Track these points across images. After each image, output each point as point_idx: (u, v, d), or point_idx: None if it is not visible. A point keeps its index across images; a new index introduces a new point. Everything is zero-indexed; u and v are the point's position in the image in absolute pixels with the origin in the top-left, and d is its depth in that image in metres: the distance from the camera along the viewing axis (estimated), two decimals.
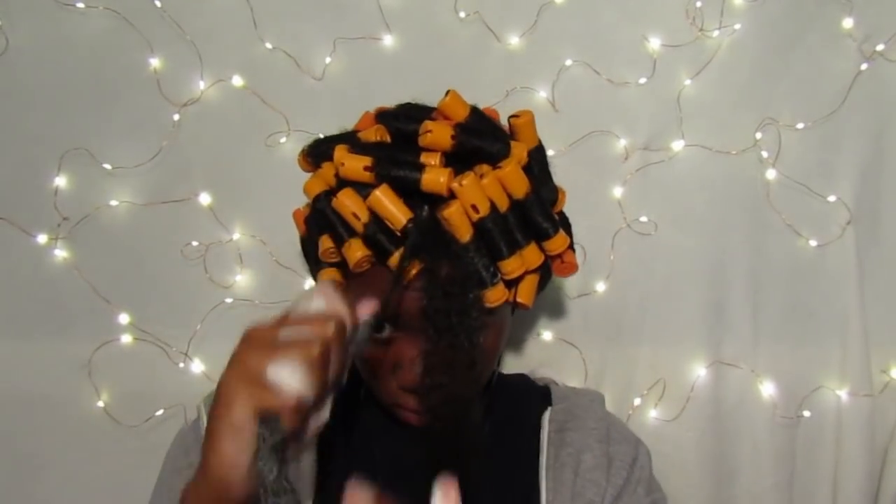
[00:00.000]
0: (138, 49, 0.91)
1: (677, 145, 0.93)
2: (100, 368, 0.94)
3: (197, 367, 0.94)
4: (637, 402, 0.95)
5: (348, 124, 0.71)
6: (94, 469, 0.95)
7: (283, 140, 0.92)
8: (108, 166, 0.92)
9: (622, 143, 0.93)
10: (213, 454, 0.46)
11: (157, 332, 0.94)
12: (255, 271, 0.95)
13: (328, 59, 0.92)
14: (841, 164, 0.93)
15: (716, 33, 0.91)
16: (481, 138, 0.61)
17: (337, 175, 0.61)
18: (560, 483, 0.67)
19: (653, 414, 0.95)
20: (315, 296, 0.49)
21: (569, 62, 0.92)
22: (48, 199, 0.92)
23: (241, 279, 0.95)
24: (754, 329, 0.95)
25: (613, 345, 0.96)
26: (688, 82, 0.92)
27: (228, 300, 0.94)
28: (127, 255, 0.94)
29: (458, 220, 0.58)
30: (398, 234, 0.58)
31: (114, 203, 0.93)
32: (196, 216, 0.93)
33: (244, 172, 0.93)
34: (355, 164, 0.59)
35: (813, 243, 0.94)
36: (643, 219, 0.94)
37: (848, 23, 0.90)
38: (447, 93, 0.63)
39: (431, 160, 0.60)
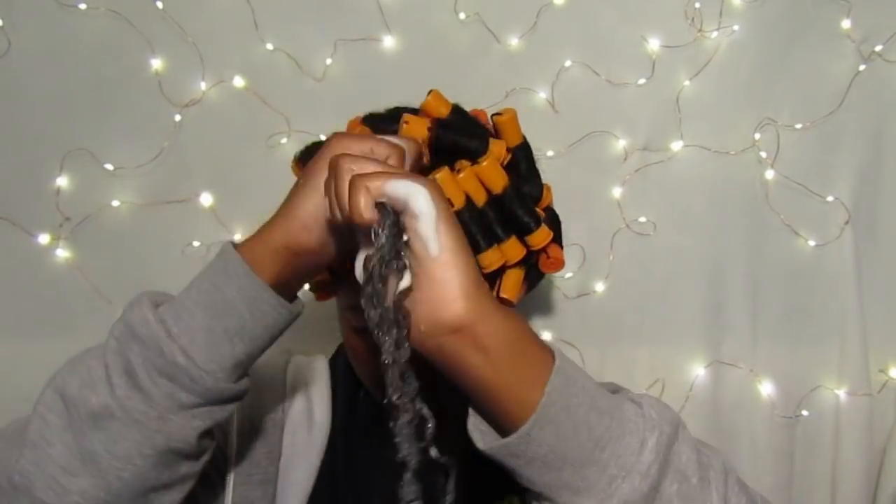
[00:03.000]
0: (140, 50, 0.91)
1: (676, 146, 0.93)
2: None
3: None
4: None
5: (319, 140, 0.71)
6: None
7: (283, 141, 0.93)
8: (109, 167, 0.92)
9: (621, 143, 0.93)
10: (291, 215, 0.50)
11: None
12: None
13: (329, 61, 0.92)
14: (839, 164, 0.93)
15: (714, 34, 0.91)
16: (459, 134, 0.61)
17: None
18: None
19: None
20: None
21: (568, 63, 0.92)
22: (50, 199, 0.92)
23: None
24: (753, 329, 0.95)
25: (612, 345, 0.96)
26: (687, 83, 0.92)
27: None
28: (128, 255, 0.94)
29: None
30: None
31: (115, 203, 0.93)
32: (197, 216, 0.94)
33: (245, 173, 0.94)
34: None
35: (811, 243, 0.94)
36: (642, 219, 0.94)
37: (846, 24, 0.91)
38: (429, 92, 0.64)
39: None
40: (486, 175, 0.60)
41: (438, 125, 0.61)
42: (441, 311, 0.44)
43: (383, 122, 0.64)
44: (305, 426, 0.68)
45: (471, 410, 0.48)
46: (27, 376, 0.95)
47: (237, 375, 0.52)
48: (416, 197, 0.44)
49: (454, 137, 0.61)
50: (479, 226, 0.59)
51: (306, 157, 0.66)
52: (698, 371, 0.95)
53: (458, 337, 0.44)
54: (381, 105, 0.72)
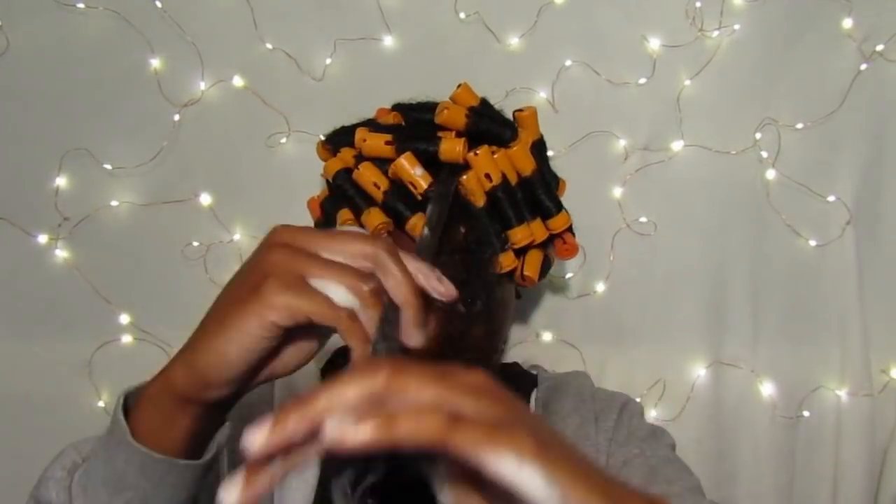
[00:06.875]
0: (139, 49, 0.91)
1: (677, 145, 0.93)
2: (100, 368, 0.94)
3: None
4: (637, 402, 0.95)
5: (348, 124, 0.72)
6: None
7: (283, 140, 0.93)
8: (108, 166, 0.92)
9: (622, 143, 0.93)
10: (204, 349, 0.42)
11: (157, 333, 0.94)
12: None
13: (328, 60, 0.92)
14: (840, 164, 0.93)
15: (715, 33, 0.91)
16: (492, 122, 0.66)
17: (356, 156, 0.66)
18: None
19: (653, 414, 0.95)
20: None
21: (568, 62, 0.92)
22: (49, 199, 0.92)
23: None
24: (754, 329, 0.95)
25: (613, 345, 0.96)
26: (687, 82, 0.92)
27: None
28: (127, 255, 0.94)
29: (474, 186, 0.64)
30: (419, 198, 0.62)
31: (114, 203, 0.93)
32: (197, 216, 0.93)
33: (245, 173, 0.94)
34: (376, 140, 0.65)
35: (812, 243, 0.94)
36: (643, 219, 0.94)
37: (847, 23, 0.90)
38: (459, 85, 0.68)
39: (447, 136, 0.65)
40: (518, 158, 0.66)
41: (474, 112, 0.66)
42: None
43: (414, 111, 0.68)
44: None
45: None
46: (27, 376, 0.95)
47: None
48: None
49: (489, 124, 0.66)
50: (510, 203, 0.65)
51: (334, 139, 0.70)
52: (699, 371, 0.94)
53: None
54: (381, 105, 0.72)
